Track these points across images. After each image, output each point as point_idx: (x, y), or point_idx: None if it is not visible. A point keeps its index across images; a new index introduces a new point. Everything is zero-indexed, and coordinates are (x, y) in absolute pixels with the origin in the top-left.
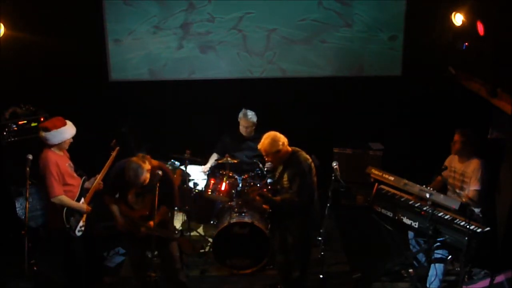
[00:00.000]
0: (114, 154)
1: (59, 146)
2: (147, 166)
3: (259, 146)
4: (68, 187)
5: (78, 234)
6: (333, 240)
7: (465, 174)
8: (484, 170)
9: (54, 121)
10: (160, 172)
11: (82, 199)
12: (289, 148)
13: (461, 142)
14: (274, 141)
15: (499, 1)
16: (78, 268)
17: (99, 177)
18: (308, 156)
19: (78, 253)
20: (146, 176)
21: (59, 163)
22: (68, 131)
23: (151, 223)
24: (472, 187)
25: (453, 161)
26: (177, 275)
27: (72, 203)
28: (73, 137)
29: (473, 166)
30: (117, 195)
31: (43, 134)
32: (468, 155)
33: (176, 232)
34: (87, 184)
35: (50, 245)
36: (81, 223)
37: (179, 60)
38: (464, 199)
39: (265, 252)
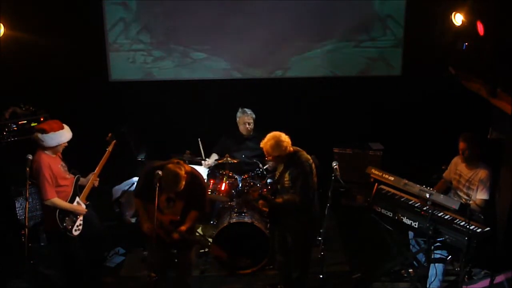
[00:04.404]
0: (110, 148)
1: (53, 149)
2: (183, 172)
3: (262, 144)
4: (61, 188)
5: (76, 233)
6: (333, 240)
7: (472, 181)
8: (492, 178)
9: (51, 123)
10: (160, 172)
11: (77, 198)
12: (291, 148)
13: (469, 148)
14: (278, 144)
15: (499, 1)
16: (78, 268)
17: (95, 173)
18: (309, 156)
19: (76, 253)
20: (183, 183)
21: (51, 165)
22: (64, 135)
23: (182, 228)
24: (481, 196)
25: (459, 164)
26: (188, 279)
27: (66, 205)
28: (68, 142)
29: (481, 175)
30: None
31: (39, 135)
32: (476, 162)
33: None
34: (83, 181)
35: (49, 245)
36: (78, 222)
37: (179, 60)
38: (471, 205)
39: (265, 252)
